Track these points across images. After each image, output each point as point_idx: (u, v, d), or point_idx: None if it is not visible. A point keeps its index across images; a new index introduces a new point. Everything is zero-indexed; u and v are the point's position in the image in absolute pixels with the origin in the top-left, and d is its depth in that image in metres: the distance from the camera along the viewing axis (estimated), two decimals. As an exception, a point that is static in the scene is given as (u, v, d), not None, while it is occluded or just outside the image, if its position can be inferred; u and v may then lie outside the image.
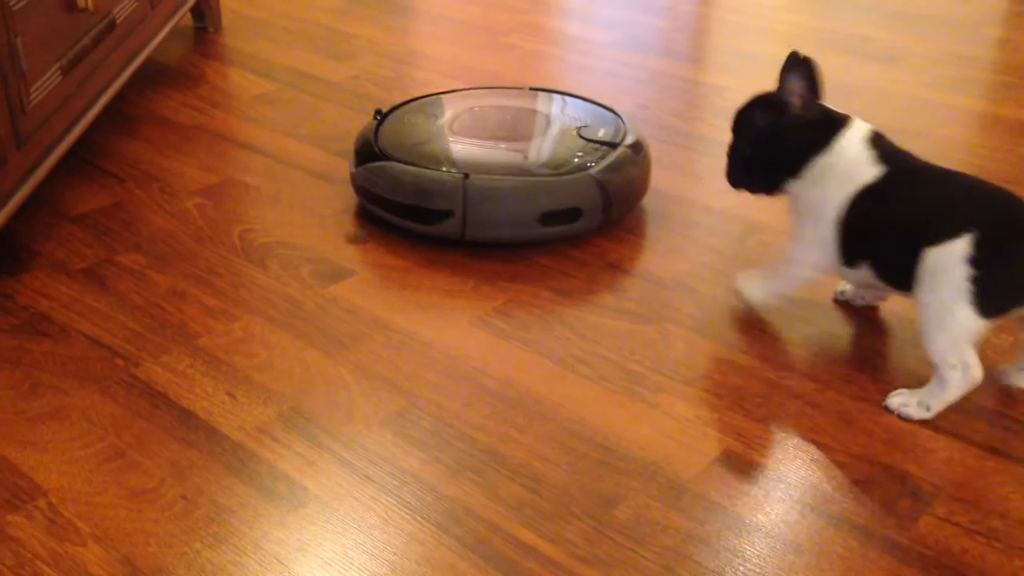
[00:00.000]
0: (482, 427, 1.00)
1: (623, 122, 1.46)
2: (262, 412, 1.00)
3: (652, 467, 0.95)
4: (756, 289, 1.18)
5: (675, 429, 1.00)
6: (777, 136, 1.11)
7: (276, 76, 1.88)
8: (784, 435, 0.99)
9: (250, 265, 1.26)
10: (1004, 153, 1.65)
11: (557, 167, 1.33)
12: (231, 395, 1.03)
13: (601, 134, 1.42)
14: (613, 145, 1.39)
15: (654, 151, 1.60)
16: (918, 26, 2.34)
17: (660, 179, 1.52)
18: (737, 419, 1.01)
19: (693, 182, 1.53)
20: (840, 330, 1.17)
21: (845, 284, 1.22)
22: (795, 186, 1.12)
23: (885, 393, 1.05)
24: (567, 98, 1.55)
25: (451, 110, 1.48)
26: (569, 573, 0.83)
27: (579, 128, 1.43)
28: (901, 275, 1.03)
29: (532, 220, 1.29)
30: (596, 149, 1.37)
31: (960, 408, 1.03)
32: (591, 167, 1.32)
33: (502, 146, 1.38)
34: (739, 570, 0.84)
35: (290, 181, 1.48)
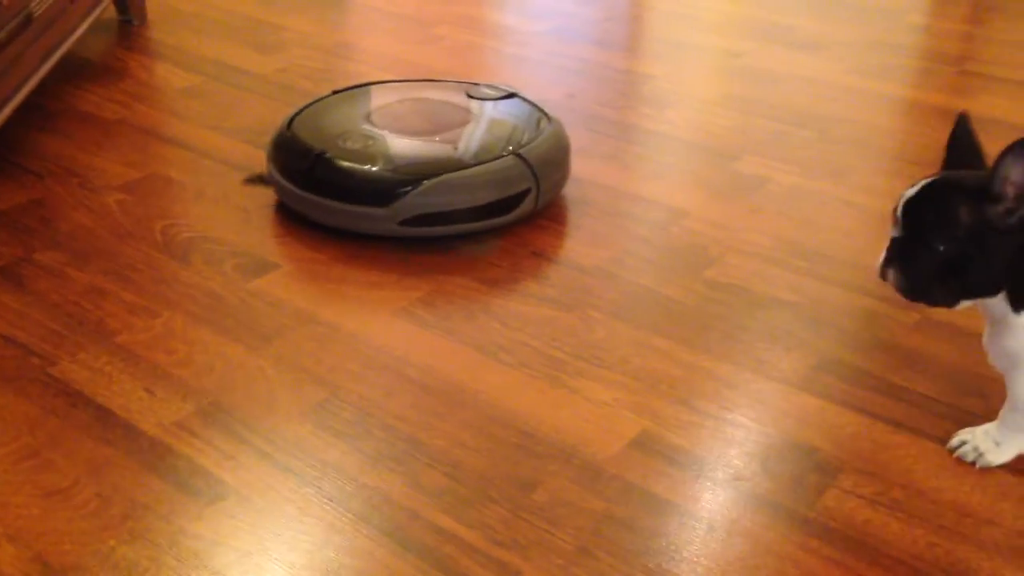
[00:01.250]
0: (403, 416, 1.00)
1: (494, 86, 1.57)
2: (181, 408, 1.00)
3: (570, 451, 0.96)
4: (996, 455, 0.96)
5: (594, 413, 1.02)
6: (994, 242, 0.86)
7: (202, 69, 1.86)
8: (699, 416, 1.02)
9: (172, 261, 1.25)
10: (922, 137, 1.69)
11: (540, 126, 1.44)
12: (149, 391, 1.02)
13: (488, 92, 1.54)
14: (513, 94, 1.53)
15: (582, 140, 1.61)
16: (842, 14, 2.39)
17: (586, 168, 1.53)
18: (654, 401, 1.03)
19: (620, 170, 1.55)
20: (755, 313, 1.20)
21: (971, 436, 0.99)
22: (1020, 319, 0.89)
23: (797, 373, 1.08)
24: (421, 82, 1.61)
25: (375, 104, 1.49)
26: (487, 557, 0.84)
27: (467, 91, 1.54)
28: None
29: (567, 170, 1.44)
30: (521, 103, 1.51)
31: (866, 384, 1.06)
32: (547, 116, 1.48)
33: (441, 136, 1.40)
34: (653, 548, 0.86)
35: (214, 175, 1.47)
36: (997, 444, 0.95)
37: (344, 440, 0.97)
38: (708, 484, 0.93)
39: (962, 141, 0.92)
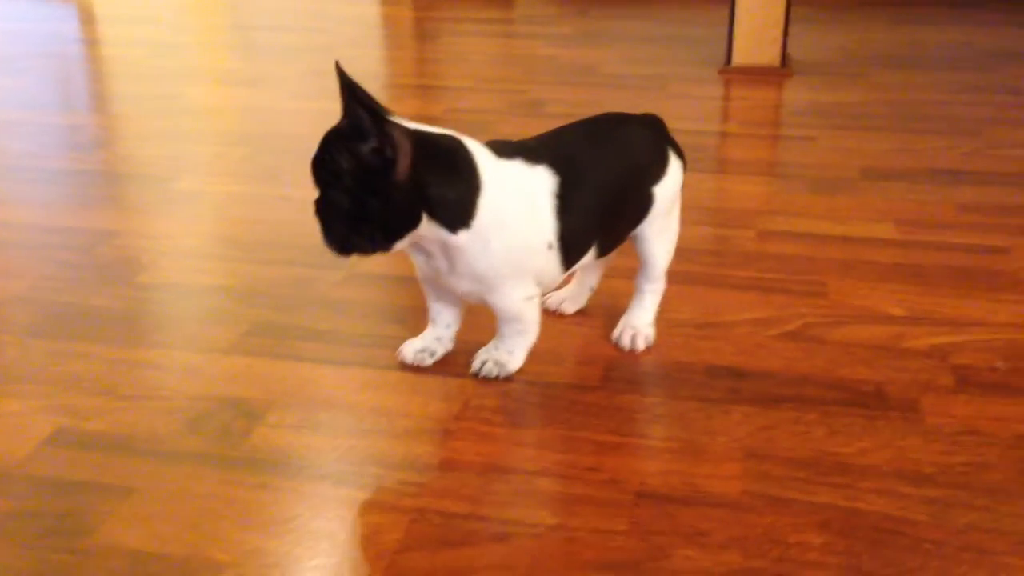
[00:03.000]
0: None
1: None
2: None
3: (-32, 468, 0.87)
4: (514, 362, 1.01)
5: (1, 425, 0.93)
6: (381, 179, 0.86)
7: None
8: (122, 401, 0.97)
9: None
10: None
11: None
12: None
13: None
14: None
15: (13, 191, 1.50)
16: (275, 55, 2.52)
17: (5, 214, 1.43)
18: (73, 400, 0.97)
19: (41, 209, 1.46)
20: (187, 302, 1.19)
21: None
22: (460, 239, 0.90)
23: (227, 341, 1.09)
24: None
25: None
26: None
27: None
28: (631, 228, 1.04)
29: None
30: None
31: (294, 336, 1.10)
32: None
33: None
34: (65, 529, 0.79)
35: None
36: (510, 353, 1.01)
37: None
38: (128, 459, 0.88)
39: (345, 83, 0.88)
